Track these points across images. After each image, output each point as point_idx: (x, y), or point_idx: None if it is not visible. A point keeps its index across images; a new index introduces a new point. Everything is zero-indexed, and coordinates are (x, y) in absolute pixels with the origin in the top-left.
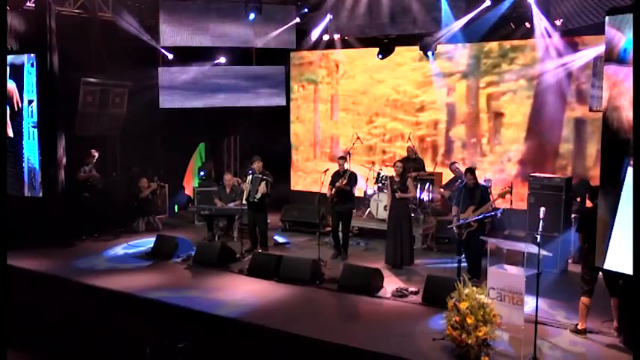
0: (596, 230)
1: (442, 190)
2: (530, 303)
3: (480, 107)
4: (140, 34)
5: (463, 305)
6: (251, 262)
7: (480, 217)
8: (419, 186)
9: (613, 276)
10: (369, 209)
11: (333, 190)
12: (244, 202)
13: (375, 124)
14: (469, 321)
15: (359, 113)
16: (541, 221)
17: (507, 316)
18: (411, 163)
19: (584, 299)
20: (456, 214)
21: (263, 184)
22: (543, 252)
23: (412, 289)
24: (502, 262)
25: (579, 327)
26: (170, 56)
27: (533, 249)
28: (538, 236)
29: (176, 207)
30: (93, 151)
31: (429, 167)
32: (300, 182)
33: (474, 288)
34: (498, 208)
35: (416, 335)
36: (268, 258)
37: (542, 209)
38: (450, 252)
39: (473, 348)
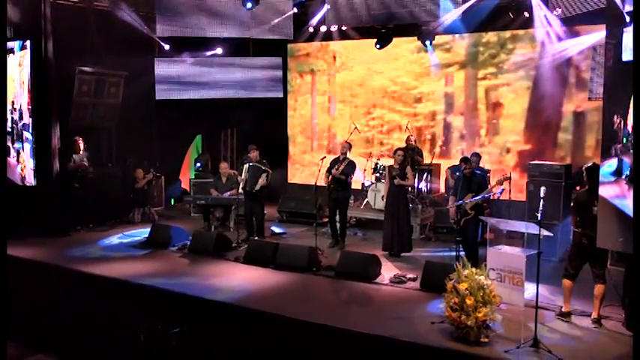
0: (588, 214)
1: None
2: (530, 289)
3: (479, 98)
4: (136, 24)
5: (462, 286)
6: (247, 250)
7: (480, 197)
8: (417, 176)
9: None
10: (366, 199)
11: (329, 177)
12: (240, 190)
13: (372, 116)
14: (468, 302)
15: (357, 105)
16: (541, 200)
17: (507, 297)
18: (410, 153)
19: (565, 282)
20: (453, 204)
21: (264, 175)
22: (544, 232)
23: (410, 275)
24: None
25: (563, 309)
26: (166, 47)
27: (534, 229)
28: (539, 214)
29: (172, 200)
30: (78, 139)
31: (426, 159)
32: (297, 175)
33: (473, 269)
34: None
35: (414, 319)
36: (264, 245)
37: (543, 188)
38: (448, 242)
39: (472, 329)
